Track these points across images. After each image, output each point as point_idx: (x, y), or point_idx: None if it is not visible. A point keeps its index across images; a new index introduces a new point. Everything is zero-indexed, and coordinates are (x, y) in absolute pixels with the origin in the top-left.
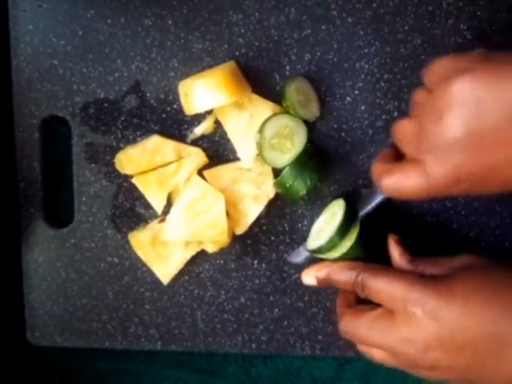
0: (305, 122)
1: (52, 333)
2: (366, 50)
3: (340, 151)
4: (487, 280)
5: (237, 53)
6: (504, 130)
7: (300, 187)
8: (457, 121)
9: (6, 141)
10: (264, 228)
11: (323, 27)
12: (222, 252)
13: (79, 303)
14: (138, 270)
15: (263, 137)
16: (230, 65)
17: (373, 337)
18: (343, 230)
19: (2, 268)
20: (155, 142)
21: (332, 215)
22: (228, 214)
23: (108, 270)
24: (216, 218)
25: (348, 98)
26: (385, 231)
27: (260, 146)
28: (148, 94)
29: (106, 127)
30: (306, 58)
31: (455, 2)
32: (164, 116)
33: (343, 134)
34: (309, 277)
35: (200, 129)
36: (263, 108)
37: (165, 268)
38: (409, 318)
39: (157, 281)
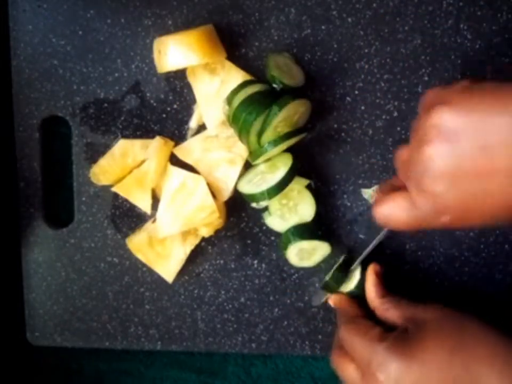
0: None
1: (51, 333)
2: (366, 50)
3: (340, 151)
4: (447, 342)
5: (237, 53)
6: (480, 162)
7: (251, 118)
8: (434, 151)
9: (6, 141)
10: (264, 228)
11: (323, 27)
12: (222, 252)
13: (79, 303)
14: (138, 270)
15: (231, 108)
16: (206, 27)
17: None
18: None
19: (2, 268)
20: (121, 146)
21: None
22: (210, 188)
23: (107, 270)
24: (202, 200)
25: (348, 98)
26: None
27: (228, 117)
28: (148, 94)
29: (106, 127)
30: (306, 58)
31: (455, 2)
32: (163, 115)
33: (343, 134)
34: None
35: (193, 122)
36: (235, 76)
37: (167, 266)
38: (373, 379)
39: (157, 281)
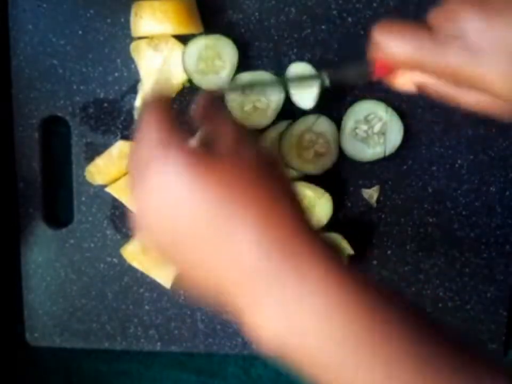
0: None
1: (51, 334)
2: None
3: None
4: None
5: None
6: None
7: None
8: None
9: (6, 141)
10: None
11: (323, 27)
12: None
13: (78, 304)
14: (137, 270)
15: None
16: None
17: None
18: None
19: (1, 268)
20: (119, 147)
21: None
22: None
23: (107, 271)
24: None
25: (348, 98)
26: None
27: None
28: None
29: (106, 127)
30: (306, 58)
31: None
32: None
33: None
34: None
35: (138, 101)
36: (178, 53)
37: (163, 272)
38: (142, 181)
39: (156, 282)
